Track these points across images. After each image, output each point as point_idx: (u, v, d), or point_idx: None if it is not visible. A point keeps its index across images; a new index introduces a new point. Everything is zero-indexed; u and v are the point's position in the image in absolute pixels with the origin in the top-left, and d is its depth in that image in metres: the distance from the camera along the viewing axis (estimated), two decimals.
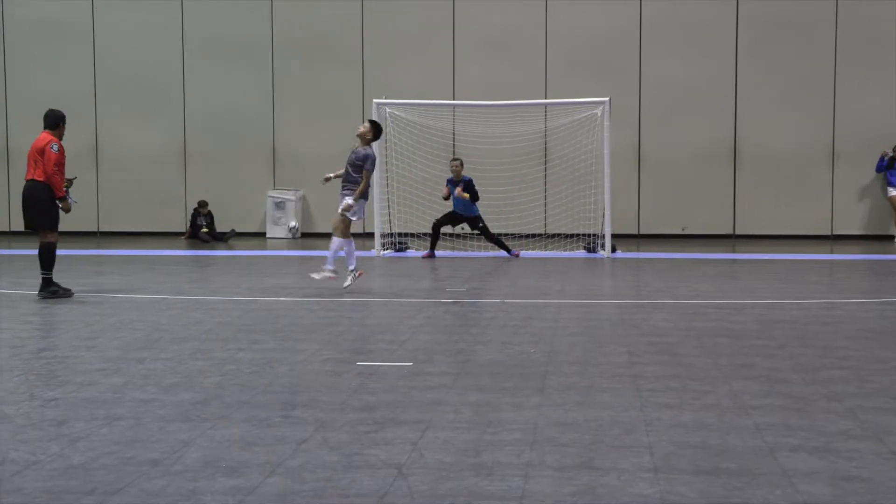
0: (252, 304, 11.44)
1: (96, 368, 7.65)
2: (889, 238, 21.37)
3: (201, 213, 22.37)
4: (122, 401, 6.56)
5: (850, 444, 5.52)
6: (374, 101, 18.82)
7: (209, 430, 5.80)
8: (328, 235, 23.12)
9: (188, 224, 22.70)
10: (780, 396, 6.66)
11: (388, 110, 19.15)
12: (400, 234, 19.49)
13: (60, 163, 11.99)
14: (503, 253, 17.91)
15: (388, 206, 19.39)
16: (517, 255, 17.70)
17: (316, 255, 18.80)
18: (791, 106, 21.79)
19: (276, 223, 22.67)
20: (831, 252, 19.22)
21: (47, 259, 11.96)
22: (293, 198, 22.56)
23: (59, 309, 11.07)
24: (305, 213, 22.98)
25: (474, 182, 17.98)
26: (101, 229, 23.60)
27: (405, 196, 20.23)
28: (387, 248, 18.69)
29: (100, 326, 9.78)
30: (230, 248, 20.48)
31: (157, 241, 21.84)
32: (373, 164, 12.63)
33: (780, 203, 21.90)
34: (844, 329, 9.58)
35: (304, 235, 22.77)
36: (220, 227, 22.56)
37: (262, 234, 22.86)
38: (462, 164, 18.06)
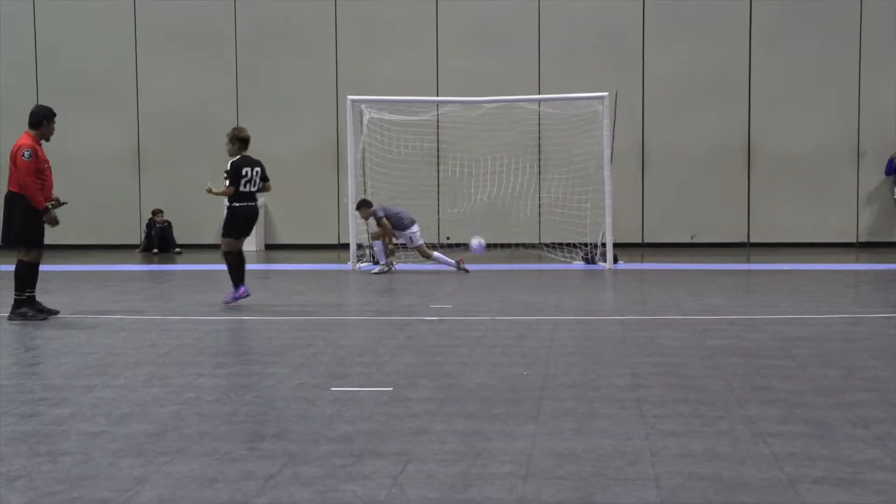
0: (214, 323, 11.40)
1: (38, 398, 7.60)
2: (893, 245, 21.30)
3: (157, 223, 22.30)
4: (68, 434, 6.52)
5: (878, 475, 5.52)
6: (349, 97, 18.80)
7: (165, 466, 5.77)
8: (293, 247, 23.33)
9: (143, 235, 22.62)
10: (801, 422, 6.66)
11: (363, 107, 19.14)
12: None
13: (34, 170, 11.91)
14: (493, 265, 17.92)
15: None
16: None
17: (281, 268, 18.80)
18: (811, 100, 21.86)
19: None
20: (856, 261, 19.28)
21: (19, 279, 11.90)
22: None
23: None
24: (268, 222, 22.76)
25: None
26: (45, 242, 23.41)
27: (383, 202, 20.09)
28: (363, 261, 18.64)
29: (43, 351, 9.73)
30: (190, 262, 20.41)
31: (109, 254, 21.75)
32: None
33: (800, 207, 21.96)
34: (871, 347, 9.60)
35: (268, 247, 22.65)
36: (179, 238, 22.47)
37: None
38: None
